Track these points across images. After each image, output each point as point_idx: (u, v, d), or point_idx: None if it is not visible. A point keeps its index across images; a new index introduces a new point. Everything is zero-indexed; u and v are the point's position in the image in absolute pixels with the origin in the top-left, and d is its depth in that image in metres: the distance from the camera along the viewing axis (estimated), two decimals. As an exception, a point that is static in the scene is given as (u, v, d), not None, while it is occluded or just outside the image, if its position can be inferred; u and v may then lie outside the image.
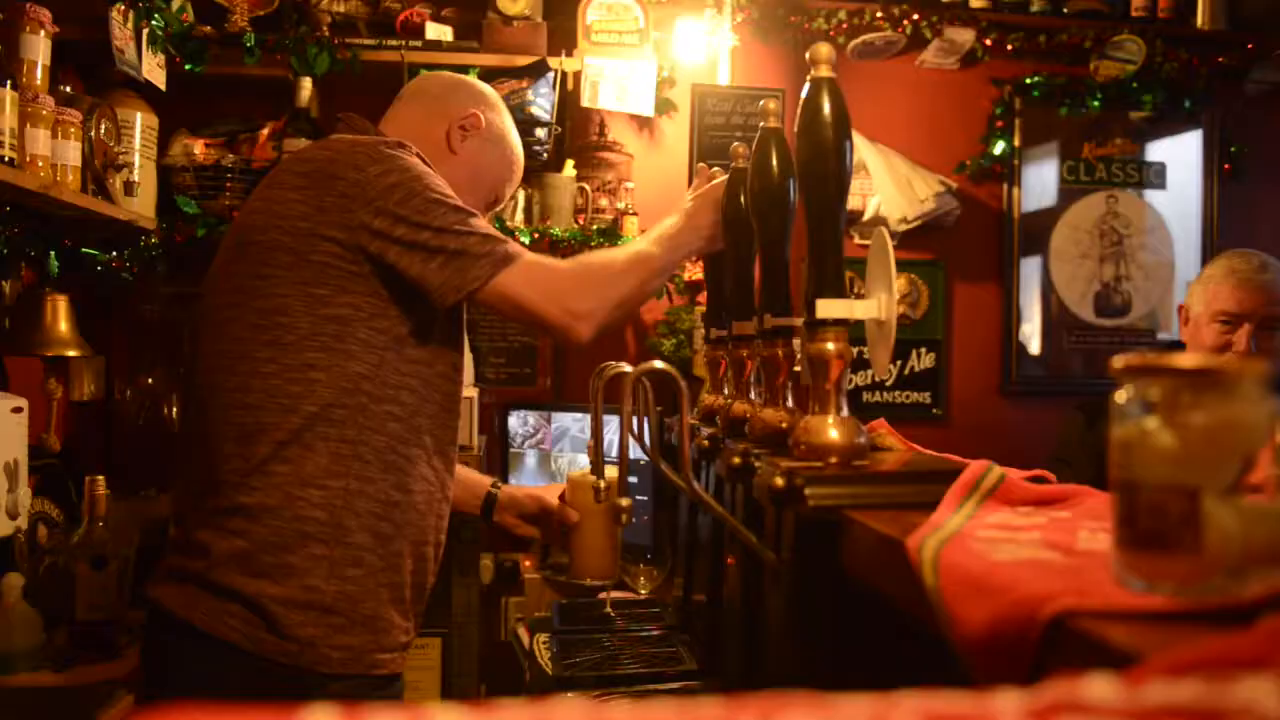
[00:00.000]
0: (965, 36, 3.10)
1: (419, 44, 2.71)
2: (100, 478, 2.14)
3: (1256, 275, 1.98)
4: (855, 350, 0.95)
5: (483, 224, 1.42)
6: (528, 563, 2.73)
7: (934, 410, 3.22)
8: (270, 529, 1.33)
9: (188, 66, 2.62)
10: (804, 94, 0.94)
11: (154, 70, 2.46)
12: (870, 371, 3.18)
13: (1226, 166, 3.32)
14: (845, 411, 0.92)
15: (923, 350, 3.22)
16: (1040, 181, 3.29)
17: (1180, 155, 3.33)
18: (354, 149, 1.40)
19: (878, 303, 0.95)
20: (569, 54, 2.82)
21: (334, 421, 1.36)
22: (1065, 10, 3.15)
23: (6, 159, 1.81)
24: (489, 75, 2.71)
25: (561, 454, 2.71)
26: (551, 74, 2.76)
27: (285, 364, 1.36)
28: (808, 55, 0.94)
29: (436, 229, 1.36)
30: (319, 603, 1.32)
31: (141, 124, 2.55)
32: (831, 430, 0.89)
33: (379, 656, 1.38)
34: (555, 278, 1.44)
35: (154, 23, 2.43)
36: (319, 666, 1.32)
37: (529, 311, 1.41)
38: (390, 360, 1.39)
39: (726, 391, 1.43)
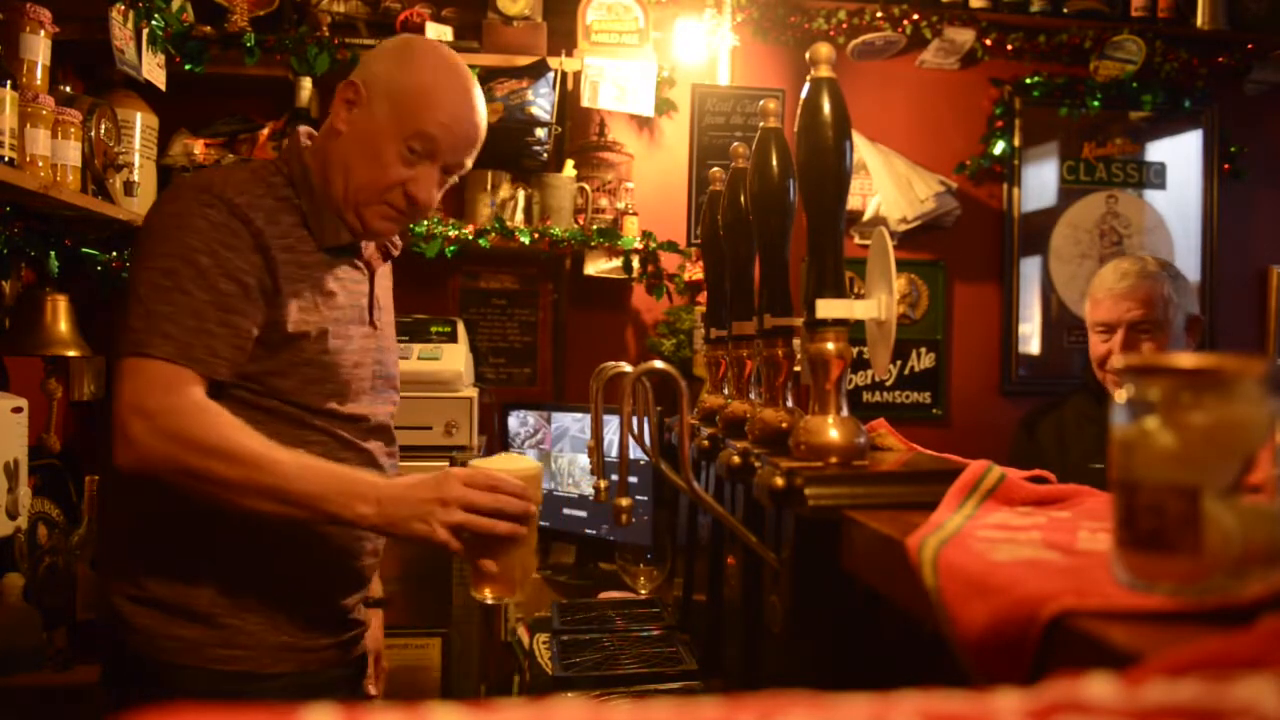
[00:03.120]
0: (965, 36, 3.10)
1: (419, 44, 2.71)
2: (100, 478, 2.14)
3: (1118, 284, 2.08)
4: (855, 350, 0.95)
5: (166, 309, 1.30)
6: (528, 563, 2.73)
7: (934, 410, 3.22)
8: (112, 528, 1.42)
9: (188, 66, 2.62)
10: (804, 94, 0.94)
11: (154, 70, 2.46)
12: (870, 371, 3.18)
13: (1226, 166, 3.33)
14: (845, 411, 0.92)
15: (923, 350, 3.22)
16: (1040, 181, 3.29)
17: (1180, 155, 3.33)
18: (187, 183, 1.43)
19: (878, 303, 0.95)
20: (569, 54, 2.82)
21: None
22: (1065, 10, 3.15)
23: (6, 159, 1.81)
24: (489, 75, 2.72)
25: (561, 454, 2.71)
26: (551, 74, 2.76)
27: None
28: (808, 55, 0.94)
29: (134, 286, 1.33)
30: (150, 598, 1.37)
31: (141, 124, 2.55)
32: (831, 430, 0.89)
33: (222, 652, 1.38)
34: (155, 390, 1.27)
35: (154, 23, 2.43)
36: (159, 655, 1.36)
37: (115, 399, 1.29)
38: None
39: (726, 391, 1.43)
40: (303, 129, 1.51)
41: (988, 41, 3.15)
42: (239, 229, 1.35)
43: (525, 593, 1.35)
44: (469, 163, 1.49)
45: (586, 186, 2.87)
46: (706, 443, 1.25)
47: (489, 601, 1.32)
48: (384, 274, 1.61)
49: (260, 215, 1.37)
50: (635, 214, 2.87)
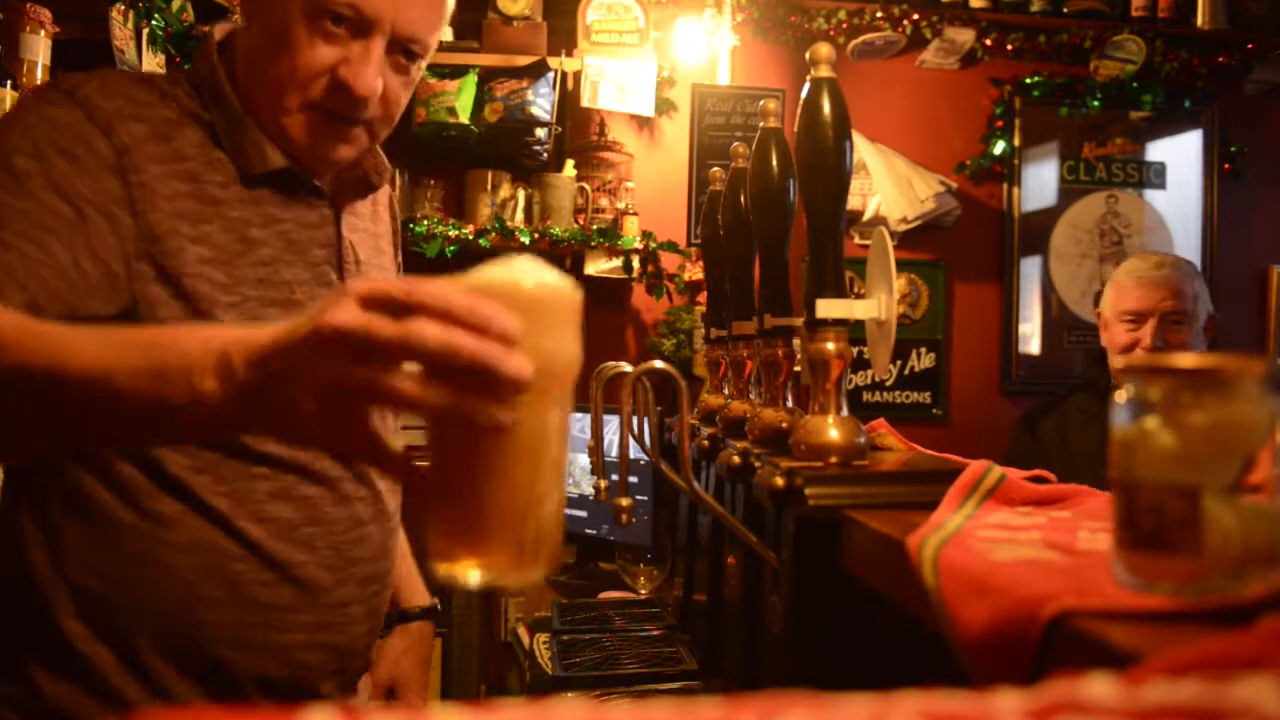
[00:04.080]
0: (965, 36, 3.10)
1: (419, 44, 2.71)
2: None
3: (1153, 273, 2.08)
4: (855, 350, 0.95)
5: None
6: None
7: (934, 410, 3.22)
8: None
9: (187, 66, 2.62)
10: (804, 94, 0.94)
11: (154, 70, 2.46)
12: (870, 371, 3.18)
13: (1226, 166, 3.33)
14: (845, 411, 0.92)
15: (923, 350, 3.22)
16: (1040, 181, 3.29)
17: (1180, 155, 3.33)
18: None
19: (878, 303, 0.95)
20: (569, 54, 2.82)
21: None
22: (1065, 10, 3.15)
23: (6, 159, 1.81)
24: (489, 75, 2.72)
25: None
26: (551, 74, 2.76)
27: None
28: (808, 55, 0.94)
29: None
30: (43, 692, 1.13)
31: (141, 124, 2.56)
32: (831, 430, 0.89)
33: None
34: None
35: (154, 23, 2.43)
36: None
37: None
38: None
39: (726, 391, 1.43)
40: (219, 25, 1.15)
41: (988, 41, 3.15)
42: (92, 137, 0.95)
43: (532, 576, 0.64)
44: (430, 37, 1.04)
45: (586, 186, 2.87)
46: (706, 443, 1.25)
47: (472, 582, 0.62)
48: (364, 215, 1.19)
49: (137, 129, 0.98)
50: (635, 214, 2.87)
